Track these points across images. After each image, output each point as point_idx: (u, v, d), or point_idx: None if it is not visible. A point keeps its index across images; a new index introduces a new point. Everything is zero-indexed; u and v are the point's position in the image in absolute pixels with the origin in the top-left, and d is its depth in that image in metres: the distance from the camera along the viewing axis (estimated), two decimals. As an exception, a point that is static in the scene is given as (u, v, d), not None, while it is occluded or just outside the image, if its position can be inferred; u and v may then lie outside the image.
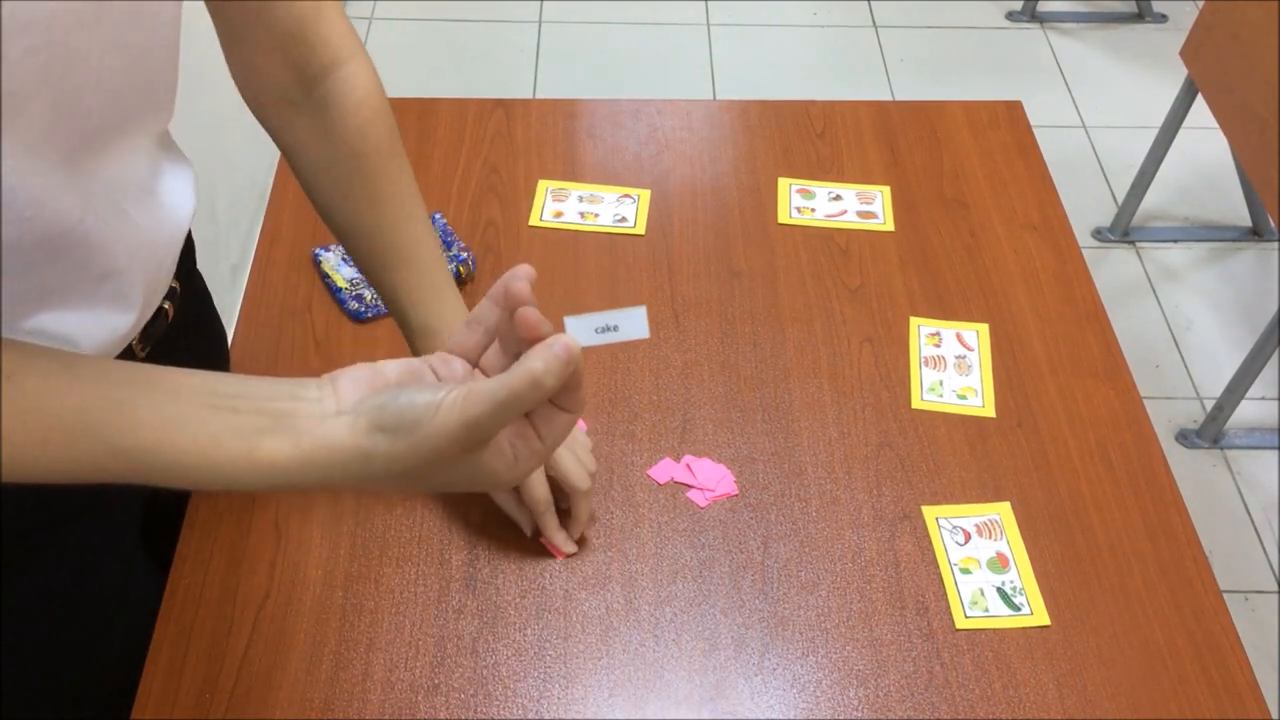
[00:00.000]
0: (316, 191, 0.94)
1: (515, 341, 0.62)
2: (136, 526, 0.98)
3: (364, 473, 0.60)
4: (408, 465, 0.59)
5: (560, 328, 0.61)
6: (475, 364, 0.66)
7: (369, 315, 1.14)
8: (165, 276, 0.83)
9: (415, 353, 0.93)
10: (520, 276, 0.62)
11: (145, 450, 0.59)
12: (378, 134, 0.92)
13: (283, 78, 0.89)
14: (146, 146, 0.77)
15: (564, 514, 0.97)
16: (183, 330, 0.91)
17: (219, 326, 1.08)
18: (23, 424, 0.58)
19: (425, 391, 0.59)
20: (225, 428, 0.60)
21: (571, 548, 0.97)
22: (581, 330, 0.63)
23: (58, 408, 0.59)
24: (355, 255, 0.94)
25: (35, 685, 0.92)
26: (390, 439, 0.59)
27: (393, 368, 0.63)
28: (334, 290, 1.16)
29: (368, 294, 1.15)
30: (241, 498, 0.99)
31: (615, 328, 0.64)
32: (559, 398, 0.62)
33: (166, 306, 0.86)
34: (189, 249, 0.95)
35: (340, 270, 1.17)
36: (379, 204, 0.92)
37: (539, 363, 0.57)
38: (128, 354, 0.81)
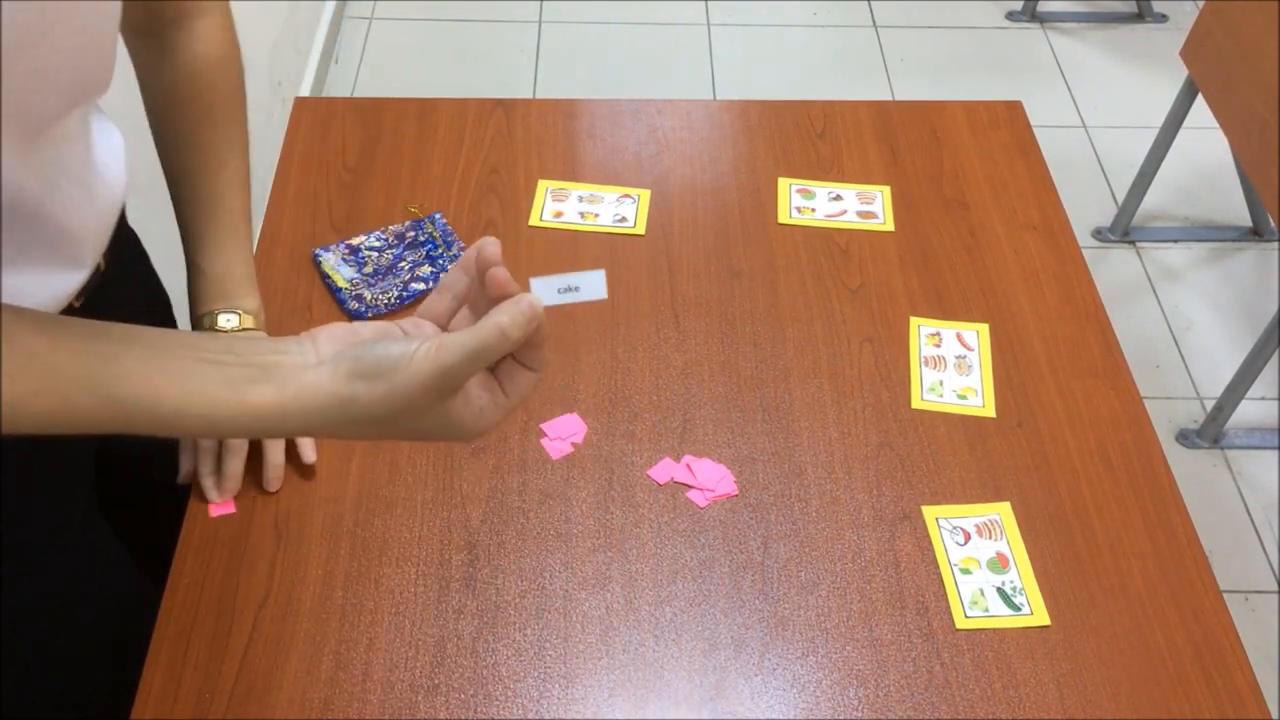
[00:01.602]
0: (153, 127, 1.00)
1: (485, 305, 0.67)
2: (87, 485, 0.98)
3: (344, 417, 0.65)
4: (385, 410, 0.64)
5: (527, 289, 0.67)
6: (445, 329, 0.70)
7: (369, 315, 1.14)
8: (108, 235, 0.89)
9: (192, 299, 1.00)
10: (490, 244, 0.68)
11: (139, 400, 0.64)
12: (210, 86, 0.98)
13: (140, 12, 0.93)
14: (86, 118, 0.83)
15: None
16: (118, 282, 0.94)
17: (157, 282, 1.11)
18: (18, 377, 0.61)
19: (399, 343, 0.64)
20: (215, 378, 0.64)
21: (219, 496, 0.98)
22: (545, 290, 0.68)
23: (52, 361, 0.62)
24: (173, 198, 1.00)
25: (34, 685, 0.92)
26: (368, 385, 0.64)
27: (367, 326, 0.68)
28: (334, 290, 1.16)
29: (368, 294, 1.15)
30: (243, 495, 0.99)
31: (576, 288, 0.70)
32: (523, 355, 0.68)
33: (100, 261, 0.89)
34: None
35: (340, 270, 1.17)
36: (194, 149, 0.98)
37: (506, 317, 0.63)
38: (66, 309, 0.85)
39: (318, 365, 0.65)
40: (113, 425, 0.65)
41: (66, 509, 0.91)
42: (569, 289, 0.70)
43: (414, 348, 0.63)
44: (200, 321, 0.99)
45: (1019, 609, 0.95)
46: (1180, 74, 2.31)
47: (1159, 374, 2.31)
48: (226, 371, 0.65)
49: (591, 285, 0.71)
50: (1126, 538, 1.00)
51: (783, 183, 1.31)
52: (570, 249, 1.23)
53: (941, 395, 1.10)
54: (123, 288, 0.96)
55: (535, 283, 0.68)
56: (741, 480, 1.03)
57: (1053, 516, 1.01)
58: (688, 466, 1.04)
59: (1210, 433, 2.18)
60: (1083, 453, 1.06)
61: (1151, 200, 2.55)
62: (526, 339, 0.65)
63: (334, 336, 0.67)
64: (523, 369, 0.68)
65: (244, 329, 0.98)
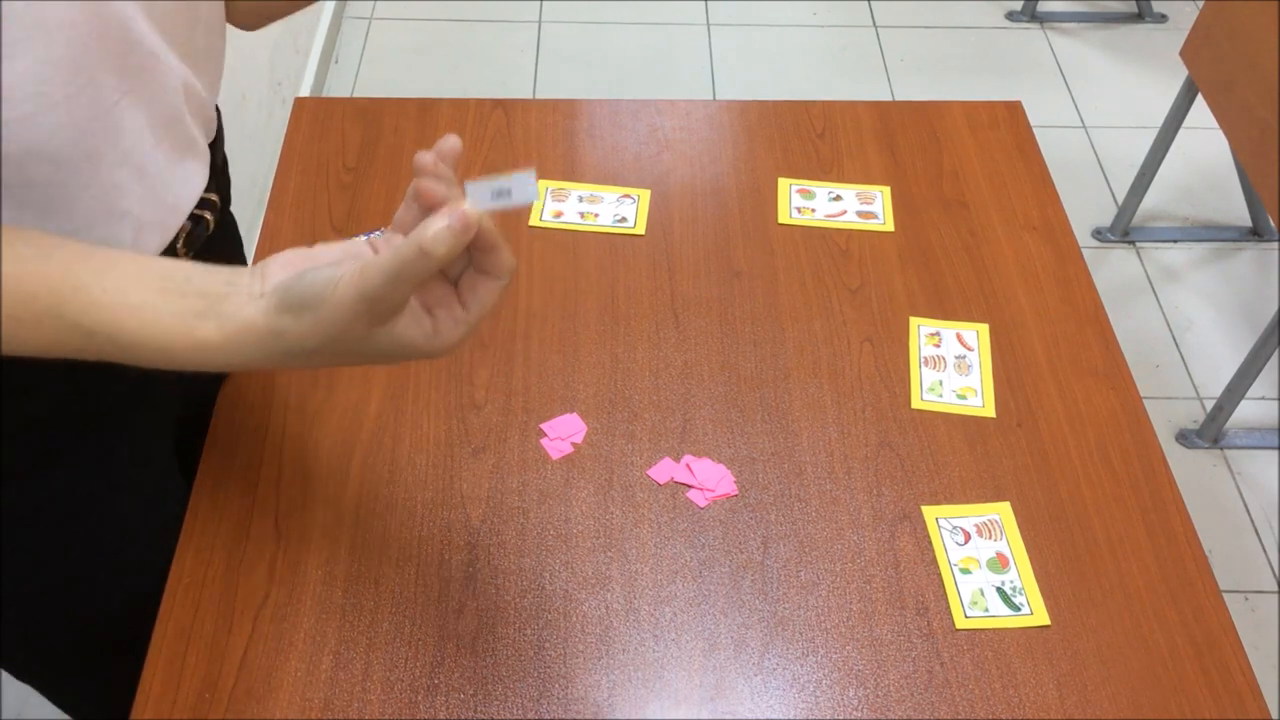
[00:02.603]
0: None
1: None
2: (169, 437, 1.02)
3: (280, 349, 0.64)
4: (317, 341, 0.63)
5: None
6: None
7: (369, 315, 1.14)
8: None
9: None
10: (446, 142, 0.66)
11: (101, 330, 0.66)
12: None
13: None
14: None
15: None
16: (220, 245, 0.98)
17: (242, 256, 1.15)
18: (1, 303, 0.64)
19: (326, 270, 0.62)
20: (169, 311, 0.65)
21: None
22: (479, 195, 0.63)
23: (30, 289, 0.65)
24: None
25: (62, 586, 0.95)
26: (295, 318, 0.63)
27: (327, 249, 0.67)
28: (334, 290, 1.16)
29: (368, 294, 1.15)
30: (243, 495, 1.00)
31: (509, 192, 0.64)
32: (481, 262, 0.65)
33: (208, 216, 0.92)
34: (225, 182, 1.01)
35: (340, 270, 1.17)
36: None
37: (428, 232, 0.59)
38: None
39: (259, 298, 0.64)
40: (83, 352, 0.67)
41: (98, 407, 0.92)
42: (502, 193, 0.64)
43: (338, 275, 0.61)
44: None
45: (1019, 609, 0.95)
46: (1180, 74, 2.31)
47: (1159, 374, 2.31)
48: (181, 303, 0.65)
49: (522, 187, 0.64)
50: (1126, 538, 1.00)
51: (783, 183, 1.31)
52: (570, 249, 1.23)
53: (941, 395, 1.10)
54: (224, 252, 1.00)
55: (469, 186, 0.63)
56: (741, 480, 1.03)
57: (1053, 516, 1.01)
58: (688, 466, 1.04)
59: (1210, 433, 2.18)
60: (1083, 453, 1.06)
61: (1151, 200, 2.55)
62: (477, 245, 0.62)
63: (286, 263, 0.66)
64: (484, 278, 0.65)
65: None
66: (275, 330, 0.64)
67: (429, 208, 0.63)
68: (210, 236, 0.96)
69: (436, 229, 0.59)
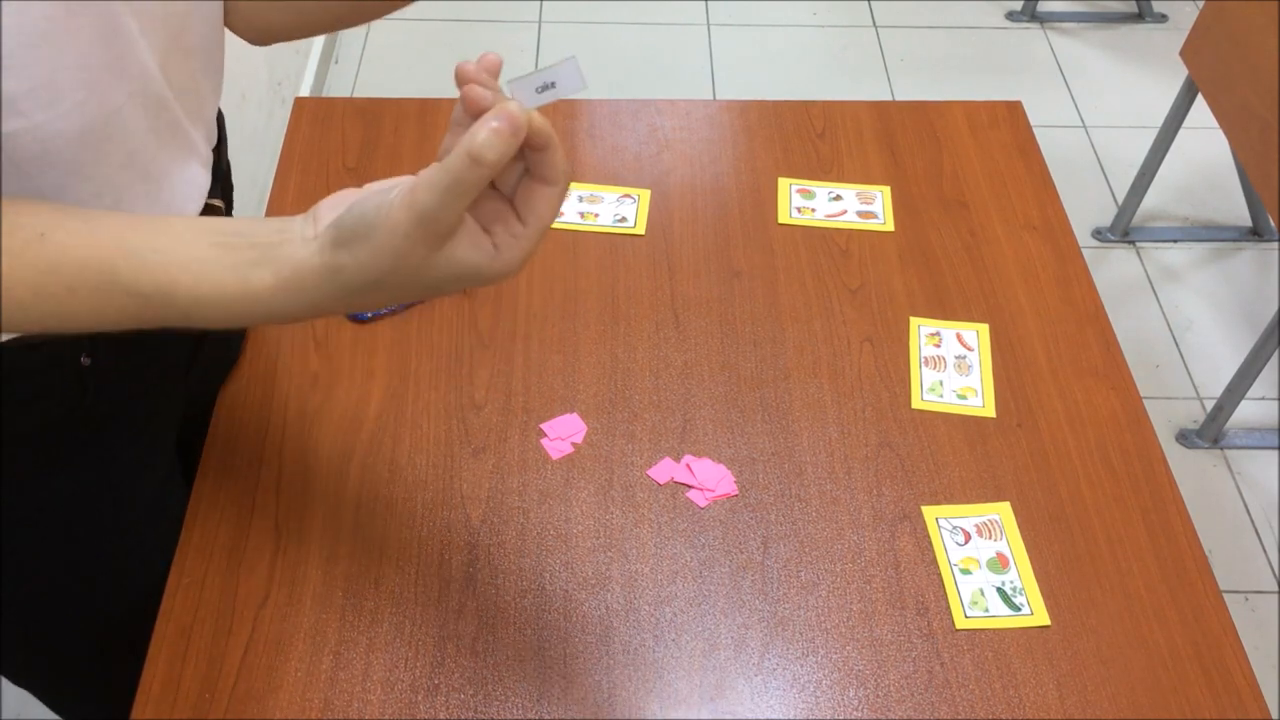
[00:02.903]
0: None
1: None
2: (171, 439, 1.02)
3: (339, 288, 0.62)
4: (376, 273, 0.60)
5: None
6: None
7: (369, 315, 1.14)
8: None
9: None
10: (486, 58, 0.62)
11: (157, 293, 0.65)
12: None
13: None
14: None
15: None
16: None
17: None
18: (56, 276, 0.65)
19: (375, 198, 0.60)
20: (223, 265, 0.64)
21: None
22: (525, 92, 0.60)
23: (81, 258, 0.65)
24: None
25: (62, 587, 0.96)
26: (350, 251, 0.60)
27: (376, 184, 0.64)
28: (334, 290, 1.16)
29: (368, 294, 1.15)
30: (243, 495, 0.99)
31: (554, 84, 0.60)
32: (536, 168, 0.60)
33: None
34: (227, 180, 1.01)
35: (340, 270, 1.17)
36: None
37: (477, 137, 0.55)
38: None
39: (313, 240, 0.63)
40: (141, 319, 0.67)
41: (105, 409, 0.92)
42: (546, 86, 0.60)
43: (388, 199, 0.58)
44: None
45: (1019, 609, 0.95)
46: (1180, 74, 2.31)
47: (1159, 374, 2.31)
48: (234, 255, 0.64)
49: (568, 77, 0.60)
50: (1126, 538, 1.00)
51: (783, 183, 1.31)
52: (570, 249, 1.23)
53: (941, 395, 1.10)
54: None
55: (512, 86, 0.60)
56: (741, 480, 1.03)
57: (1053, 516, 1.01)
58: (688, 466, 1.04)
59: (1210, 433, 2.18)
60: (1083, 453, 1.06)
61: (1151, 200, 2.55)
62: (530, 144, 0.58)
63: (335, 203, 0.64)
64: (540, 185, 0.61)
65: None
66: (332, 267, 0.61)
67: (476, 115, 0.59)
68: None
69: (485, 132, 0.55)
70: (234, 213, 1.09)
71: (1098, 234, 2.58)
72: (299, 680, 0.89)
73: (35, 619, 0.98)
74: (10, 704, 1.63)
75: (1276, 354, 2.05)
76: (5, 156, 0.68)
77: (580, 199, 1.29)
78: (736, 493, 1.02)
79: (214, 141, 0.94)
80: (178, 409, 1.02)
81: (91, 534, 0.94)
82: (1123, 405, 1.10)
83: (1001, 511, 1.01)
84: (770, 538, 0.99)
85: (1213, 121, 2.14)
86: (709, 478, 1.03)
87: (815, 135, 1.38)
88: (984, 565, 0.98)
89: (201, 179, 0.90)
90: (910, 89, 2.92)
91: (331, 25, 0.94)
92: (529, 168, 0.61)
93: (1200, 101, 2.23)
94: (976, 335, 1.16)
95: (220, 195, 0.95)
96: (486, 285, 0.65)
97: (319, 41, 2.82)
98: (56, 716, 1.16)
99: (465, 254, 0.60)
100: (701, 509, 1.01)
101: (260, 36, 0.95)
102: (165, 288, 0.65)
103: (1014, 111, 1.42)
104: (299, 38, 0.96)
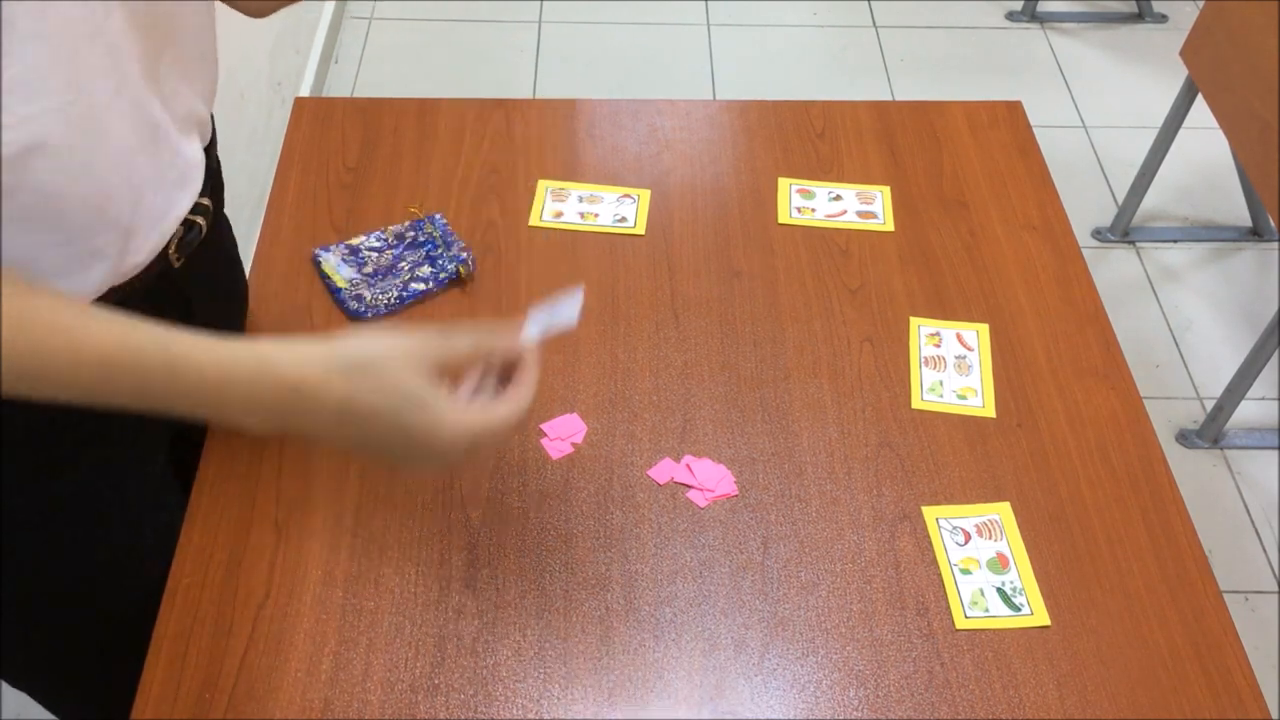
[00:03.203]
0: None
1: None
2: (164, 450, 1.03)
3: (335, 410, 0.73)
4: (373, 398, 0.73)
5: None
6: None
7: (369, 315, 1.14)
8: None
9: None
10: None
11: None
12: None
13: None
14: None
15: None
16: (211, 250, 0.99)
17: (239, 267, 1.14)
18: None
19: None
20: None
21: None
22: (536, 325, 0.81)
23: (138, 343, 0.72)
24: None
25: (63, 589, 0.96)
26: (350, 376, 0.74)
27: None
28: (334, 290, 1.16)
29: (367, 294, 1.15)
30: (243, 495, 0.99)
31: (557, 318, 0.80)
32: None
33: (200, 221, 0.94)
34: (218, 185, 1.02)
35: (340, 270, 1.17)
36: None
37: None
38: (164, 260, 0.90)
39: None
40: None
41: (96, 424, 0.93)
42: (553, 322, 0.80)
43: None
44: None
45: (1019, 609, 0.95)
46: (1180, 74, 2.31)
47: (1159, 374, 2.31)
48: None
49: (567, 311, 0.80)
50: (1126, 538, 1.00)
51: (783, 183, 1.31)
52: (570, 249, 1.23)
53: (941, 395, 1.10)
54: (218, 255, 1.02)
55: (531, 317, 0.82)
56: (741, 480, 1.03)
57: (1053, 516, 1.01)
58: (688, 467, 1.04)
59: (1210, 433, 2.18)
60: (1083, 453, 1.06)
61: (1151, 200, 2.55)
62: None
63: None
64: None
65: None
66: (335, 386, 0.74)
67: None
68: (204, 240, 0.96)
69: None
70: (227, 211, 1.09)
71: (1098, 234, 2.58)
72: (299, 680, 0.89)
73: (36, 621, 0.98)
74: (10, 704, 1.63)
75: (1276, 354, 2.05)
76: None
77: (580, 199, 1.29)
78: (736, 493, 1.02)
79: (206, 140, 0.94)
80: (167, 420, 1.02)
81: (91, 535, 0.94)
82: (1123, 405, 1.10)
83: (1001, 511, 1.01)
84: (770, 538, 0.99)
85: (1213, 121, 2.14)
86: (709, 478, 1.03)
87: (815, 135, 1.38)
88: (984, 565, 0.98)
89: (191, 183, 0.90)
90: (910, 89, 2.92)
91: None
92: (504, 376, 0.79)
93: (1200, 101, 2.23)
94: (976, 335, 1.16)
95: (209, 194, 0.95)
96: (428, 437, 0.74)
97: (319, 41, 2.82)
98: (56, 717, 1.16)
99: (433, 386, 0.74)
100: (701, 509, 1.01)
101: (260, 9, 0.97)
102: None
103: (1014, 111, 1.42)
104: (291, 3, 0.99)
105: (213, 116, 0.97)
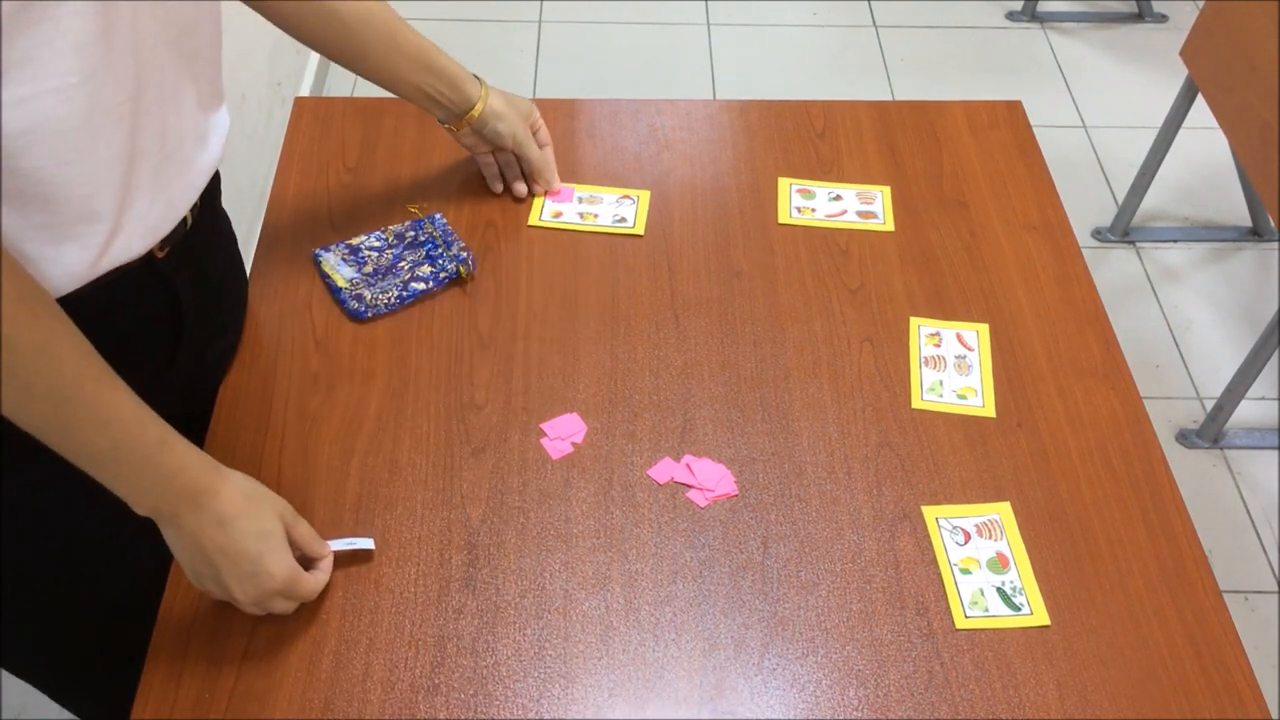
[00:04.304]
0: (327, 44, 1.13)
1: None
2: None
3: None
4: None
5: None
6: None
7: (369, 315, 1.14)
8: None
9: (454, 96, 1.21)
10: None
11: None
12: None
13: None
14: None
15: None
16: (203, 241, 1.00)
17: (236, 251, 1.14)
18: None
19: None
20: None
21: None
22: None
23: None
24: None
25: (64, 585, 0.96)
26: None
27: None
28: (334, 290, 1.16)
29: (367, 294, 1.15)
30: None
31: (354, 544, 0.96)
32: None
33: (186, 215, 0.94)
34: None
35: (340, 270, 1.17)
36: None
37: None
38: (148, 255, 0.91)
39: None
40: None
41: None
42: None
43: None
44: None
45: (1019, 609, 0.95)
46: (1180, 74, 2.31)
47: (1159, 374, 2.31)
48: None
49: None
50: (1126, 538, 1.00)
51: (783, 183, 1.31)
52: (570, 249, 1.23)
53: (941, 395, 1.10)
54: (207, 247, 1.02)
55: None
56: (741, 480, 1.03)
57: (1053, 516, 1.01)
58: (688, 466, 1.04)
59: (1210, 433, 2.18)
60: (1083, 453, 1.06)
61: (1151, 200, 2.55)
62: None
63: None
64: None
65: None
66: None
67: None
68: (200, 239, 0.96)
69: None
70: (228, 209, 1.09)
71: (1098, 234, 2.58)
72: (299, 680, 0.89)
73: (37, 617, 0.98)
74: (10, 704, 1.63)
75: (1276, 354, 2.05)
76: None
77: (580, 200, 1.29)
78: (736, 493, 1.02)
79: (205, 145, 0.94)
80: (176, 408, 1.02)
81: (90, 533, 0.94)
82: (1122, 405, 1.10)
83: (1001, 511, 1.01)
84: (770, 538, 0.99)
85: (1213, 121, 2.14)
86: (709, 478, 1.03)
87: (815, 135, 1.38)
88: (984, 565, 0.98)
89: (186, 191, 0.91)
90: (910, 89, 2.92)
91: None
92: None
93: (1200, 101, 2.23)
94: (976, 335, 1.16)
95: (204, 193, 0.95)
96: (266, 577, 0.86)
97: (319, 41, 2.82)
98: (56, 716, 1.16)
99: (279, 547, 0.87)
100: (701, 509, 1.01)
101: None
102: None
103: (1014, 111, 1.42)
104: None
105: None
